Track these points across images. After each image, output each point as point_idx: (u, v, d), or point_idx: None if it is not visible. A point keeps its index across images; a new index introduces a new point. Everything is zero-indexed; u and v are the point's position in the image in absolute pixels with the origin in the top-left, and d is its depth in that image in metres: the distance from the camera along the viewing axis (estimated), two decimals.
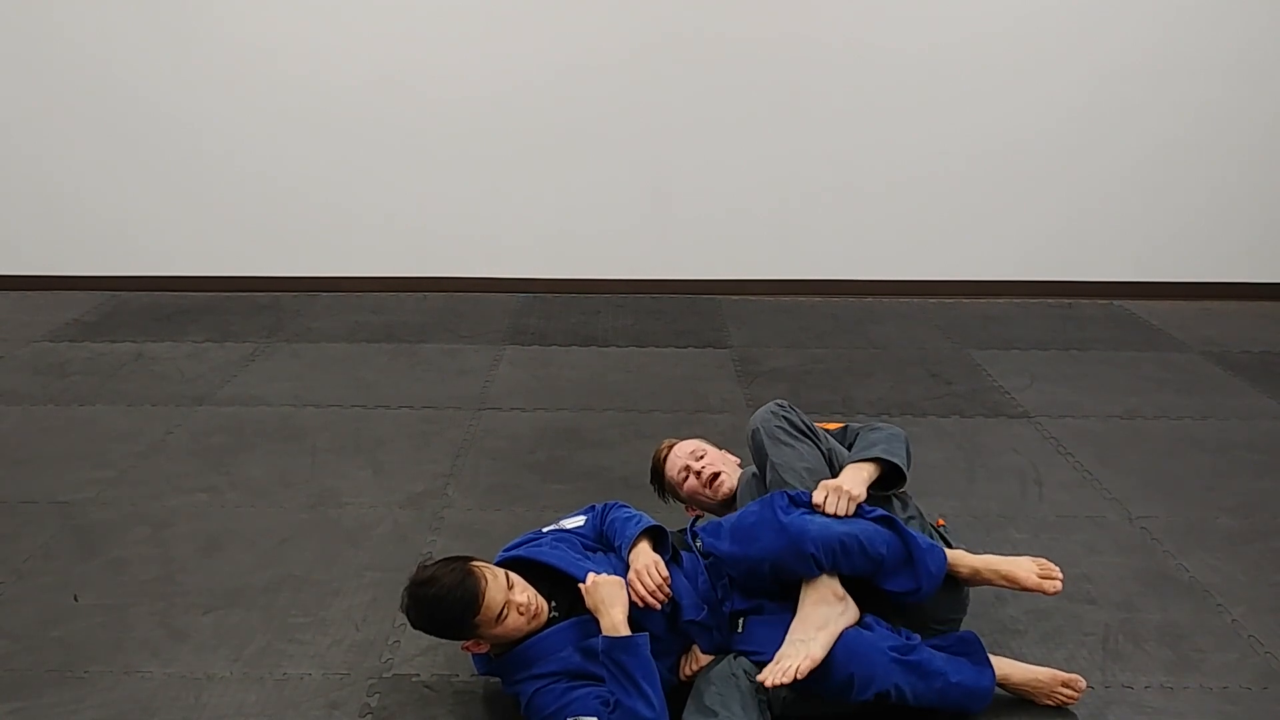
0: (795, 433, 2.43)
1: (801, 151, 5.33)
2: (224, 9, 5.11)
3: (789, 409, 2.48)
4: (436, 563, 2.17)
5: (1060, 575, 2.29)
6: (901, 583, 2.24)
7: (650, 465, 2.84)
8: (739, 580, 2.30)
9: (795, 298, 5.45)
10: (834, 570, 2.20)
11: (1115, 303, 5.42)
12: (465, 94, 5.23)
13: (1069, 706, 2.30)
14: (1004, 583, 2.30)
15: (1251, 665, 2.48)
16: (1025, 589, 2.29)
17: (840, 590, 2.20)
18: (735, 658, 2.23)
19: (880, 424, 2.55)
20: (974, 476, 3.46)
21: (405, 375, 4.35)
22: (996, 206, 5.43)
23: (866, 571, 2.22)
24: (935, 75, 5.20)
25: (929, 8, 5.12)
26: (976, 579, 2.33)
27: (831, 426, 2.61)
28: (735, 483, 2.67)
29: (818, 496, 2.27)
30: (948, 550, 2.32)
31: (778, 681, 2.08)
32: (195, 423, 3.84)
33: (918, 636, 2.26)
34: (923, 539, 2.29)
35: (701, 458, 2.73)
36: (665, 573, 2.23)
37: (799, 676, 2.09)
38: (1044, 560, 2.32)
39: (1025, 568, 2.29)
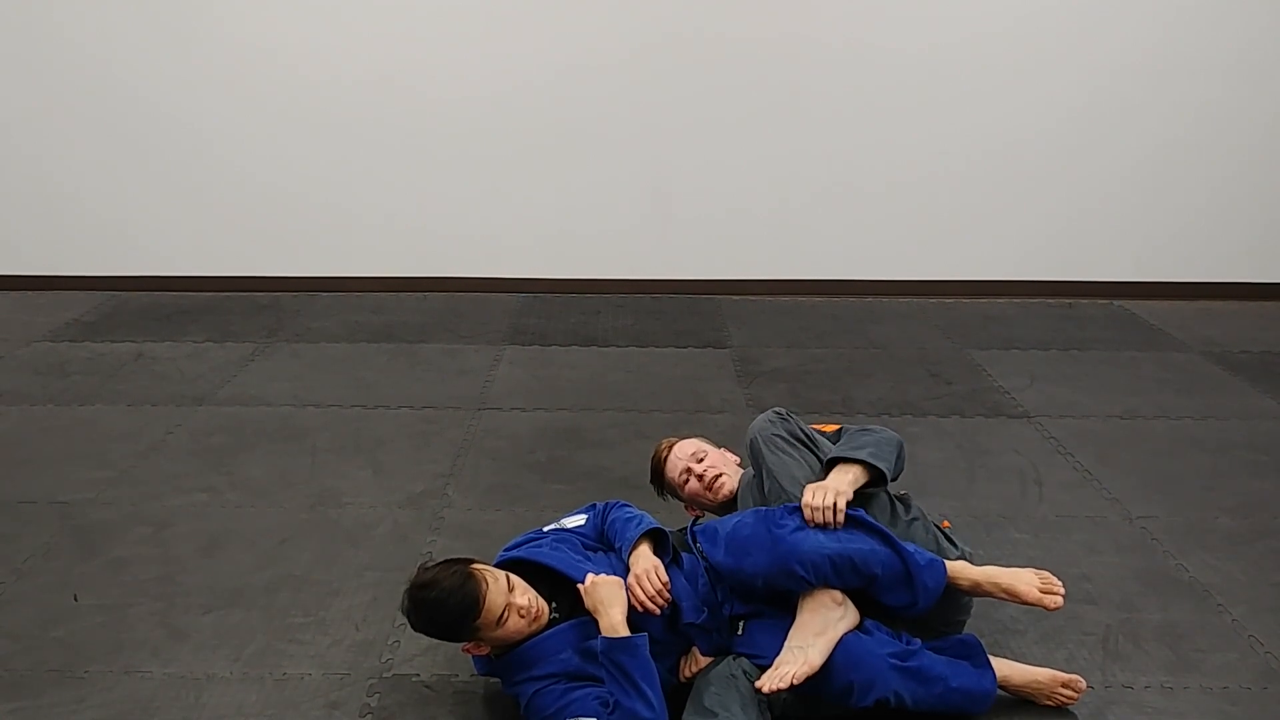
0: (793, 441, 2.42)
1: (801, 151, 5.33)
2: (224, 9, 5.11)
3: (787, 417, 2.47)
4: (437, 565, 2.17)
5: (1062, 590, 2.26)
6: (898, 598, 2.23)
7: (650, 465, 2.84)
8: (733, 587, 2.30)
9: (795, 298, 5.45)
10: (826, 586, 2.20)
11: (1115, 303, 5.42)
12: (465, 94, 5.23)
13: (1069, 707, 2.30)
14: (1004, 596, 2.28)
15: (1251, 665, 2.48)
16: (1025, 603, 2.27)
17: (839, 595, 2.20)
18: (735, 659, 2.23)
19: (874, 427, 2.54)
20: (974, 476, 3.46)
21: (405, 375, 4.35)
22: (996, 206, 5.43)
23: (859, 587, 2.21)
24: (935, 75, 5.20)
25: (929, 8, 5.12)
26: (977, 591, 2.31)
27: (828, 429, 2.60)
28: (736, 484, 2.67)
29: (806, 496, 2.25)
30: (948, 563, 2.30)
31: (775, 688, 2.08)
32: (195, 423, 3.84)
33: (918, 641, 2.26)
34: (922, 554, 2.26)
35: (702, 459, 2.71)
36: (665, 577, 2.22)
37: (795, 683, 2.08)
38: (1046, 573, 2.30)
39: (1026, 581, 2.27)
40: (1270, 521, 3.16)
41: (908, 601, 2.23)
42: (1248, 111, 5.25)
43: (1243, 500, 3.30)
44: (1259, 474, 3.49)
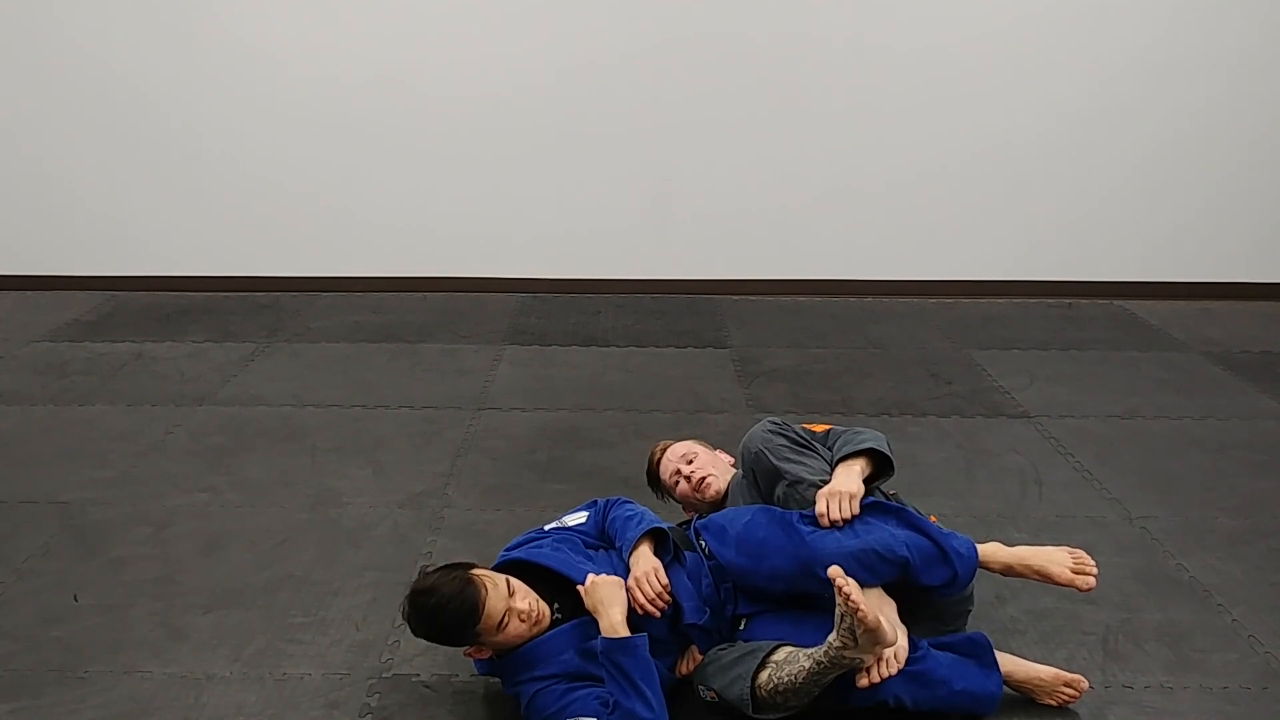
0: (799, 447, 2.43)
1: (801, 151, 5.33)
2: (224, 9, 5.11)
3: (784, 426, 2.48)
4: (437, 570, 2.16)
5: (1095, 570, 2.25)
6: (937, 575, 2.21)
7: (646, 467, 2.86)
8: (744, 589, 2.29)
9: (795, 298, 5.45)
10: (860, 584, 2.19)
11: (1115, 303, 5.42)
12: (465, 94, 5.23)
13: (1070, 705, 2.29)
14: (1036, 577, 2.27)
15: (1251, 665, 2.48)
16: (1058, 584, 2.27)
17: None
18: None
19: (861, 429, 2.54)
20: (974, 476, 3.46)
21: (405, 375, 4.35)
22: (996, 206, 5.43)
23: (896, 577, 2.19)
24: (935, 75, 5.20)
25: (929, 8, 5.12)
26: (1009, 573, 2.30)
27: (818, 428, 2.60)
28: (724, 485, 2.67)
29: (819, 507, 2.25)
30: (980, 545, 2.30)
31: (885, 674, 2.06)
32: (195, 423, 3.84)
33: (924, 643, 2.23)
34: (935, 526, 2.27)
35: (691, 461, 2.73)
36: (665, 579, 2.22)
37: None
38: (1079, 552, 2.28)
39: (1059, 562, 2.26)
40: (1270, 521, 3.16)
41: (949, 575, 2.21)
42: (1248, 111, 5.25)
43: (1243, 500, 3.30)
44: (1259, 474, 3.49)
